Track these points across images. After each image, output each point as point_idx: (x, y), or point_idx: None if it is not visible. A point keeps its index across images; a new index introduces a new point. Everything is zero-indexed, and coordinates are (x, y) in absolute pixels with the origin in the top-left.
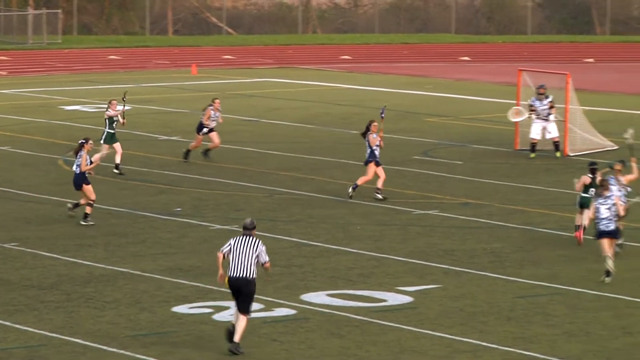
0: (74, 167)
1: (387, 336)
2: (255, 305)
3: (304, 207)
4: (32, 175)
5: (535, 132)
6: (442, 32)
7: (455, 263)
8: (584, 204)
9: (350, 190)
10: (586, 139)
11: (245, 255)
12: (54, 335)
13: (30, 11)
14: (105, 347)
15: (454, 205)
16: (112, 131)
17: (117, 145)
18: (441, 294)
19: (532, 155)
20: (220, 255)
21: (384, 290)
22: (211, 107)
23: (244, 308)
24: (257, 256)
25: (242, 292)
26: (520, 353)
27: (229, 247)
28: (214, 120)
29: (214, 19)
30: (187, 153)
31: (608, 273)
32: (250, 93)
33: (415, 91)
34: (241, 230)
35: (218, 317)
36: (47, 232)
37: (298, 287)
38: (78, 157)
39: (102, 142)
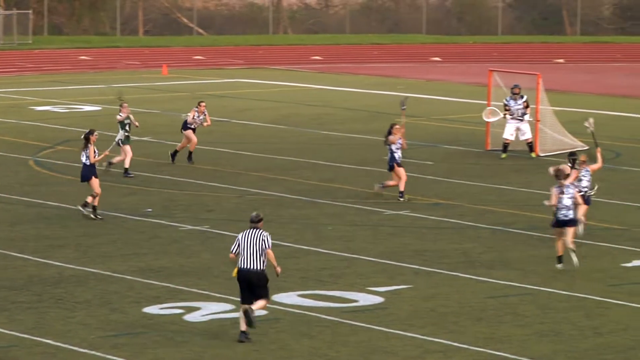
0: (83, 159)
1: (358, 336)
2: (225, 306)
3: (274, 207)
4: (2, 176)
5: (508, 132)
6: (413, 33)
7: (426, 263)
8: None
9: (377, 187)
10: (557, 139)
11: (252, 247)
12: (25, 336)
13: (1, 12)
14: (76, 348)
15: (425, 206)
16: (125, 134)
17: (128, 148)
18: (412, 294)
19: (503, 155)
20: (233, 256)
21: (354, 290)
22: (195, 109)
23: (260, 296)
24: (262, 246)
25: (254, 284)
26: (491, 353)
27: (237, 243)
28: (197, 122)
29: (185, 20)
30: (174, 154)
31: (559, 260)
32: (221, 93)
33: (386, 92)
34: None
35: (189, 317)
36: (17, 232)
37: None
38: (85, 149)
39: (120, 145)
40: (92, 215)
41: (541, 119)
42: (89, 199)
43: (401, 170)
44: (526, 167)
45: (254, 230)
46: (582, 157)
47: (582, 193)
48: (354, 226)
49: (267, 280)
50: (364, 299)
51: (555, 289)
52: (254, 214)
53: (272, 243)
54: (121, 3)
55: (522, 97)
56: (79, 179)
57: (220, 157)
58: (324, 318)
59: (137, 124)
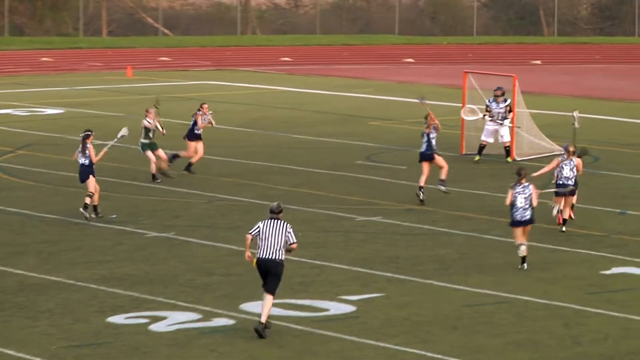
0: (81, 160)
1: (329, 346)
2: (192, 315)
3: (244, 213)
4: None
5: (486, 134)
6: (385, 33)
7: (399, 271)
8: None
9: (442, 188)
10: (533, 143)
11: (274, 237)
12: None
13: None
14: (38, 359)
15: (398, 212)
16: (147, 141)
17: (151, 153)
18: (385, 303)
19: (477, 158)
20: (249, 237)
21: (326, 299)
22: (199, 113)
23: (271, 288)
24: (286, 238)
25: (271, 272)
26: None
27: (258, 229)
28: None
29: (150, 20)
30: (189, 166)
31: (523, 260)
32: (188, 96)
33: (358, 94)
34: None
35: (154, 327)
36: None
37: (237, 296)
38: (84, 149)
39: (142, 152)
40: (93, 215)
41: (517, 122)
42: (88, 200)
43: (440, 159)
44: (502, 171)
45: (276, 221)
46: (571, 148)
47: (561, 182)
48: (325, 232)
49: (282, 270)
50: (336, 308)
51: (532, 297)
52: (274, 204)
53: (238, 250)
54: (84, 3)
55: (505, 100)
56: (26, 188)
57: (186, 162)
58: (294, 328)
59: (164, 131)
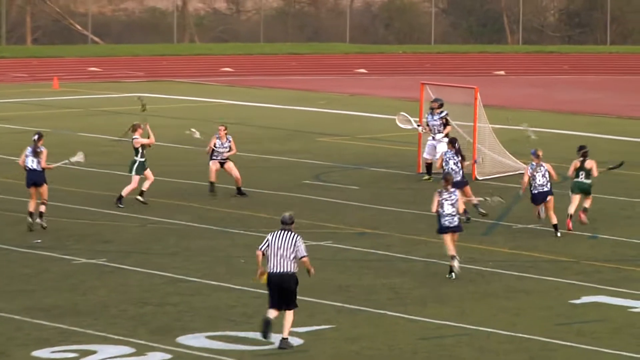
0: (32, 165)
1: None
2: (125, 349)
3: (180, 238)
4: None
5: (428, 151)
6: (336, 42)
7: (350, 300)
8: (574, 189)
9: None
10: (496, 160)
11: (285, 249)
12: None
13: None
14: None
15: (349, 236)
16: (143, 159)
17: (149, 173)
18: (334, 336)
19: (426, 177)
20: (260, 254)
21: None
22: (216, 136)
23: (290, 306)
24: (297, 250)
25: (284, 287)
26: None
27: (267, 243)
28: (220, 151)
29: (78, 27)
30: (212, 185)
31: (451, 269)
32: (119, 110)
33: (306, 107)
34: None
35: None
36: None
37: (173, 329)
38: (34, 153)
39: (133, 173)
40: (43, 225)
41: (479, 139)
42: (43, 208)
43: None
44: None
45: (287, 232)
46: (540, 152)
47: (537, 191)
48: None
49: (296, 284)
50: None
51: (495, 329)
52: (286, 214)
53: (174, 278)
54: (7, 8)
55: (441, 112)
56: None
57: (118, 182)
58: None
59: (153, 140)
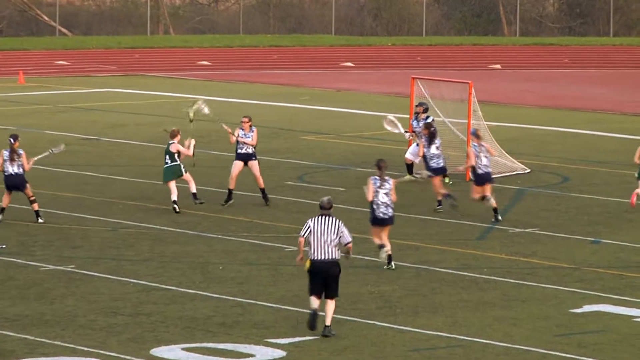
0: (13, 170)
1: None
2: None
3: (154, 243)
4: None
5: (411, 153)
6: (320, 33)
7: (336, 310)
8: None
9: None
10: (492, 160)
11: (327, 235)
12: None
13: None
14: None
15: None
16: (177, 162)
17: (188, 176)
18: (319, 347)
19: (407, 177)
20: (302, 240)
21: (250, 342)
22: (240, 128)
23: (332, 294)
24: (339, 237)
25: (328, 274)
26: None
27: (308, 229)
28: (242, 144)
29: (45, 17)
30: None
31: (390, 259)
32: (89, 106)
33: (289, 104)
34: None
35: None
36: None
37: (147, 340)
38: (14, 156)
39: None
40: (40, 220)
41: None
42: (36, 206)
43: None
44: (456, 194)
45: (327, 217)
46: (479, 132)
47: (482, 171)
48: (250, 265)
49: (339, 271)
50: (262, 353)
51: (491, 340)
52: (325, 198)
53: (147, 286)
54: None
55: (427, 117)
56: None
57: (88, 183)
58: None
59: (191, 153)
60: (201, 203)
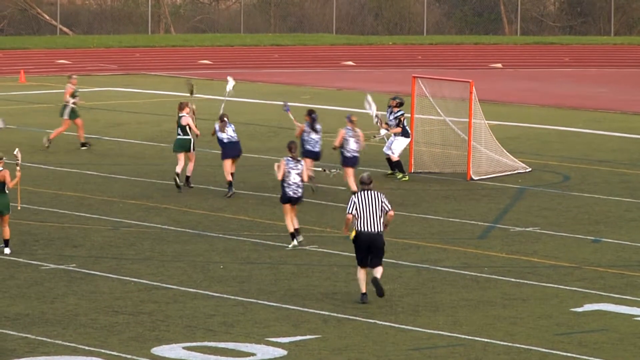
0: None
1: None
2: None
3: (155, 242)
4: None
5: (387, 148)
6: (321, 32)
7: (337, 309)
8: None
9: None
10: (493, 159)
11: (372, 209)
12: None
13: None
14: None
15: (336, 239)
16: (188, 136)
17: (193, 154)
18: (320, 346)
19: (397, 174)
20: (350, 217)
21: (251, 341)
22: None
23: (377, 263)
24: (382, 207)
25: (374, 245)
26: None
27: (354, 204)
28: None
29: (46, 16)
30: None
31: (293, 236)
32: (90, 105)
33: (289, 103)
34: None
35: None
36: None
37: (148, 339)
38: None
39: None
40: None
41: (474, 136)
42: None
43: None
44: (456, 193)
45: (369, 192)
46: (353, 117)
47: (350, 154)
48: (250, 264)
49: (384, 243)
50: (263, 352)
51: (492, 339)
52: (365, 174)
53: (148, 285)
54: None
55: (398, 112)
56: None
57: (88, 182)
58: None
59: (198, 132)
60: (190, 187)
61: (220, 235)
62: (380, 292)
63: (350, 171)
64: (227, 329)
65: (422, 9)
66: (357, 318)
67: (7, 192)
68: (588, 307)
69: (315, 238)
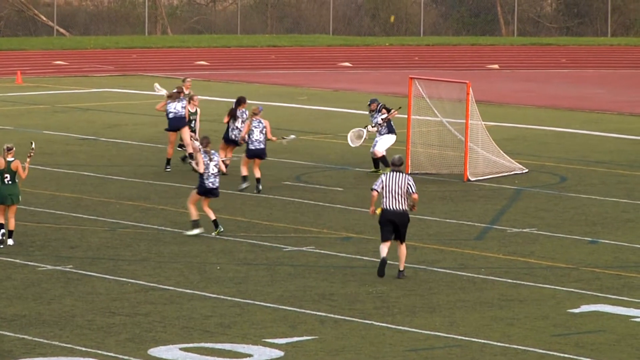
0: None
1: None
2: None
3: (152, 243)
4: None
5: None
6: (318, 33)
7: (334, 310)
8: None
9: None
10: (490, 160)
11: (399, 188)
12: None
13: None
14: None
15: (332, 241)
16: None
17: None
18: (317, 347)
19: (374, 170)
20: (376, 194)
21: (248, 342)
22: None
23: (401, 238)
24: (408, 188)
25: (398, 223)
26: None
27: (381, 182)
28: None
29: (43, 18)
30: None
31: (216, 224)
32: (87, 106)
33: (286, 104)
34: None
35: None
36: None
37: (145, 340)
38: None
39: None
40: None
41: (471, 137)
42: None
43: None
44: (453, 194)
45: (398, 173)
46: (254, 109)
47: (254, 146)
48: (247, 265)
49: (408, 219)
50: (260, 353)
51: (488, 340)
52: (396, 156)
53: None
54: None
55: (379, 111)
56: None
57: (85, 183)
58: None
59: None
60: (189, 163)
61: (218, 236)
62: (381, 271)
63: (257, 162)
64: (224, 330)
65: (419, 10)
66: (354, 319)
67: (17, 182)
68: (585, 308)
69: (311, 239)
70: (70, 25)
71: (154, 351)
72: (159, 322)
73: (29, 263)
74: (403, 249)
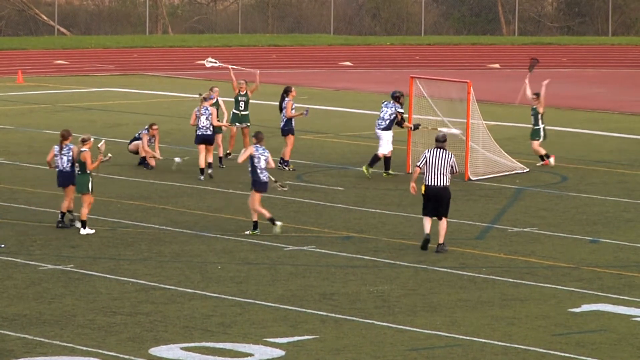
0: (63, 164)
1: None
2: None
3: (152, 242)
4: None
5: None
6: (319, 32)
7: (335, 309)
8: None
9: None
10: (490, 159)
11: (441, 165)
12: None
13: None
14: None
15: (333, 240)
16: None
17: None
18: (318, 347)
19: (386, 172)
20: (418, 169)
21: (249, 342)
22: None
23: (444, 213)
24: (451, 166)
25: (440, 198)
26: None
27: (425, 159)
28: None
29: (44, 17)
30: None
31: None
32: (88, 105)
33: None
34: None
35: None
36: None
37: (146, 339)
38: (68, 152)
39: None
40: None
41: (472, 136)
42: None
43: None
44: (454, 193)
45: (441, 150)
46: (205, 94)
47: (200, 132)
48: (248, 265)
49: (450, 195)
50: (261, 353)
51: (489, 339)
52: (440, 134)
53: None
54: None
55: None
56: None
57: None
58: None
59: (217, 119)
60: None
61: (218, 235)
62: (424, 245)
63: (205, 147)
64: (224, 329)
65: (419, 10)
66: (355, 318)
67: (88, 172)
68: (586, 307)
69: (312, 239)
70: (71, 25)
71: (155, 350)
72: (160, 321)
73: (30, 262)
74: (444, 223)
